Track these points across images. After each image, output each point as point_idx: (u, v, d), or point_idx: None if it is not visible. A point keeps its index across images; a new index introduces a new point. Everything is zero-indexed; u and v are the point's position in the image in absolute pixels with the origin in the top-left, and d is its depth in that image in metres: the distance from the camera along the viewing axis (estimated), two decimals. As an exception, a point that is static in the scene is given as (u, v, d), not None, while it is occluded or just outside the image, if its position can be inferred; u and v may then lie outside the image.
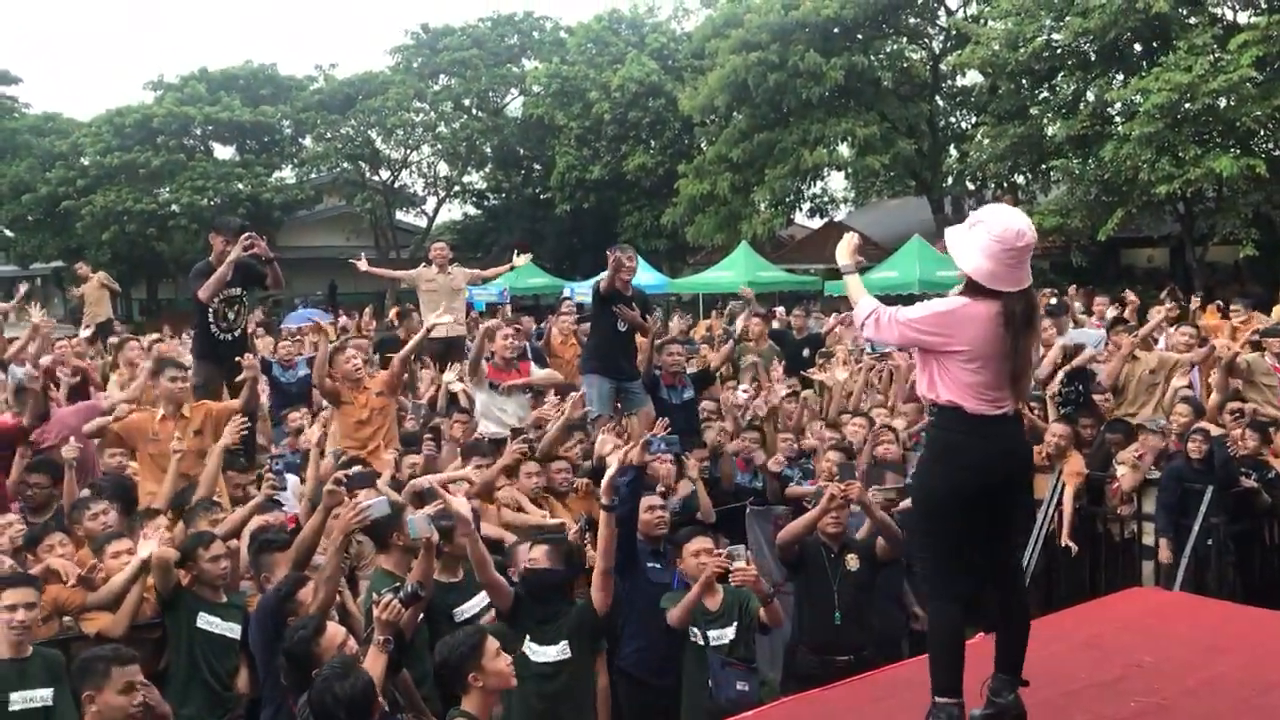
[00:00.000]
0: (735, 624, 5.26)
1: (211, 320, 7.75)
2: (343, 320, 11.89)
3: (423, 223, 38.91)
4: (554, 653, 4.93)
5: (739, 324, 10.63)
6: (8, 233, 36.79)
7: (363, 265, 11.25)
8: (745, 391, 8.98)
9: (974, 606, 3.81)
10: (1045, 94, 23.52)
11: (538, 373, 8.75)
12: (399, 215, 38.45)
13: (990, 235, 3.49)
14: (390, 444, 7.58)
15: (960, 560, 3.65)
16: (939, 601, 3.65)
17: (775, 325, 12.27)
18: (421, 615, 4.81)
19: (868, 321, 3.68)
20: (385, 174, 36.95)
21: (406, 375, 8.93)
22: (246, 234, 7.68)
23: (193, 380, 7.65)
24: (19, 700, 4.35)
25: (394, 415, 7.91)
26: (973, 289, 3.55)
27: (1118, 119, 21.15)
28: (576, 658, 4.98)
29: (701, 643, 5.23)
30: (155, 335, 11.74)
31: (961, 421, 3.55)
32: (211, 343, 7.76)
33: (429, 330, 8.52)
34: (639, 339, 8.32)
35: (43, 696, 4.40)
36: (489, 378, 8.35)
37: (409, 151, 36.62)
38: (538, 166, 36.47)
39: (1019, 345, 3.50)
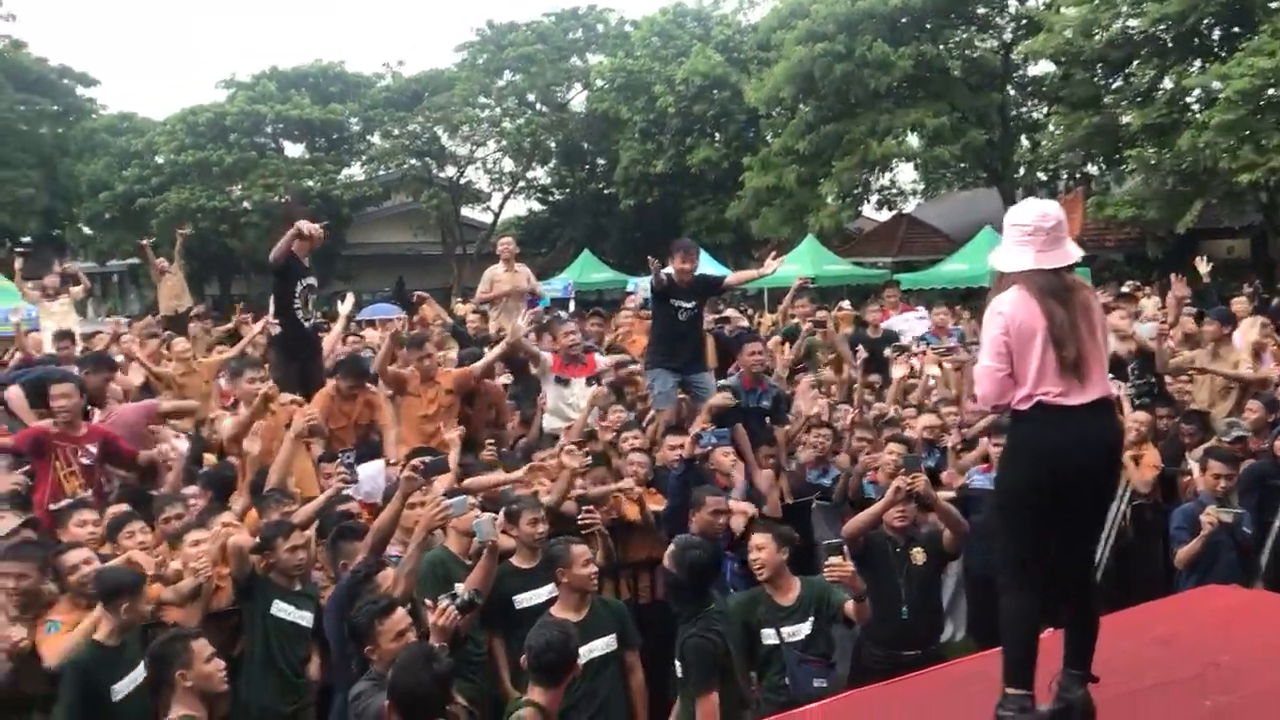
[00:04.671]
0: (811, 619, 5.15)
1: (298, 305, 7.91)
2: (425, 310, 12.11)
3: (488, 219, 39.24)
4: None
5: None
6: (86, 230, 37.77)
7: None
8: (814, 396, 8.87)
9: (1047, 602, 3.75)
10: (1120, 82, 23.02)
11: (604, 360, 8.73)
12: (465, 211, 38.82)
13: (1007, 225, 3.65)
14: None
15: (1035, 552, 3.60)
16: (1013, 593, 3.61)
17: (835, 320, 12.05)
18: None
19: (985, 400, 3.71)
20: (451, 170, 37.31)
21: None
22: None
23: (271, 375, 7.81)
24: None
25: (456, 415, 7.81)
26: (1005, 284, 3.63)
27: (1196, 106, 20.61)
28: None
29: (775, 640, 5.15)
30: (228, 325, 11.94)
31: (1033, 413, 3.52)
32: (294, 327, 7.92)
33: (514, 337, 8.33)
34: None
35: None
36: (555, 371, 8.32)
37: (474, 148, 36.90)
38: (602, 161, 36.57)
39: (1056, 315, 3.48)
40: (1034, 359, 3.48)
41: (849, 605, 5.07)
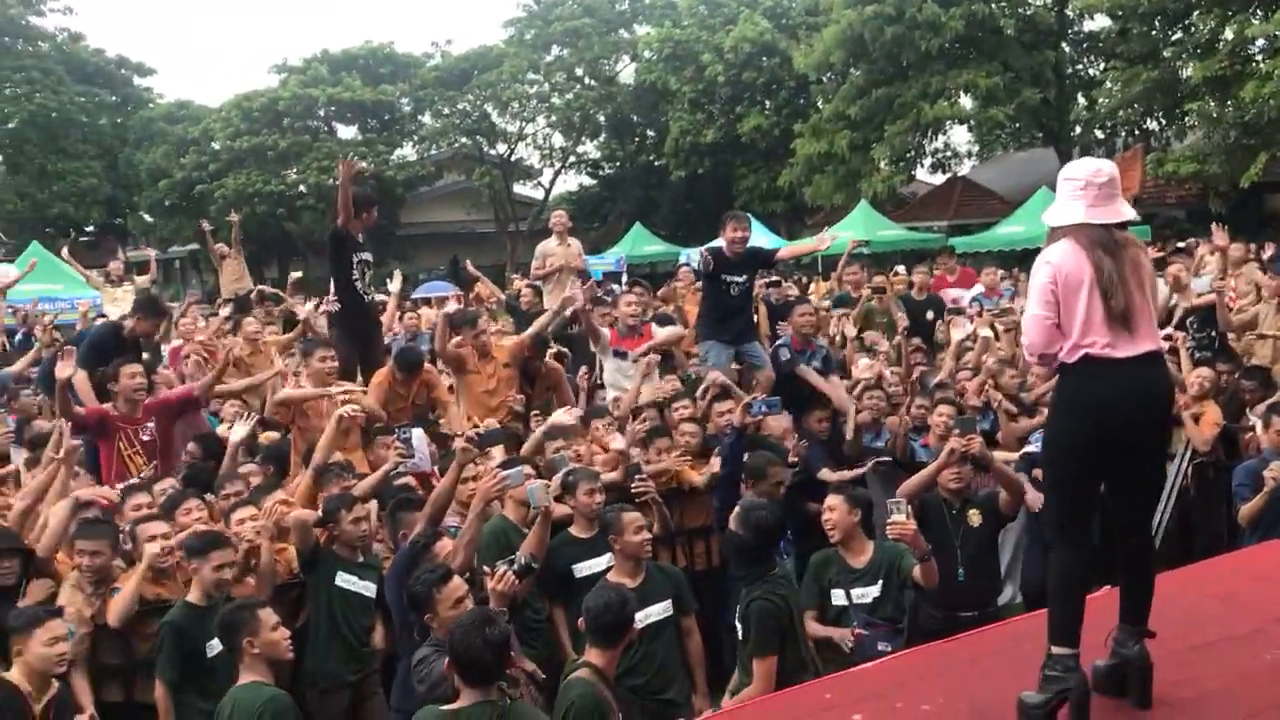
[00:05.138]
0: (881, 582, 5.13)
1: (356, 276, 8.02)
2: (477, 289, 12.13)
3: (540, 195, 39.37)
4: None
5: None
6: (147, 218, 38.50)
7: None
8: (868, 364, 8.80)
9: (1099, 559, 3.73)
10: (1179, 34, 22.43)
11: (661, 333, 8.75)
12: (516, 188, 38.96)
13: (1061, 179, 3.65)
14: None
15: (1081, 507, 3.58)
16: (1058, 548, 3.59)
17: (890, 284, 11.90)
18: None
19: (1032, 349, 3.66)
20: (502, 147, 37.44)
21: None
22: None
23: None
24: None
25: (516, 387, 7.94)
26: (1055, 237, 3.63)
27: (1259, 56, 20.04)
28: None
29: (844, 602, 5.14)
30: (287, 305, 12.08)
31: (1080, 366, 3.49)
32: (355, 301, 8.02)
33: (563, 307, 8.45)
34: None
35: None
36: (613, 345, 8.35)
37: (524, 124, 37.09)
38: (651, 133, 36.44)
39: (1104, 265, 3.45)
40: (1080, 308, 3.46)
41: (917, 569, 5.05)
